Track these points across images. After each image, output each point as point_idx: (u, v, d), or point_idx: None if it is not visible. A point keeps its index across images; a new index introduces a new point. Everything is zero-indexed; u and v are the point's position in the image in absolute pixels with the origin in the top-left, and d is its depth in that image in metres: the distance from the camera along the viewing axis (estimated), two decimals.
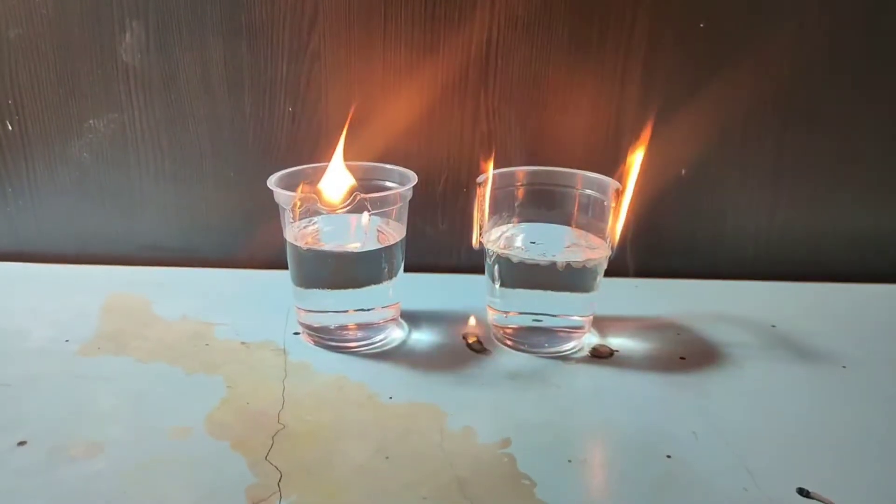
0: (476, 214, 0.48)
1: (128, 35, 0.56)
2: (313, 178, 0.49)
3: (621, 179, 0.47)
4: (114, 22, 0.56)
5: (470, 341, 0.50)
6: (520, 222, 0.52)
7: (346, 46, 0.56)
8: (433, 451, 0.39)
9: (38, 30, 0.56)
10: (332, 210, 0.46)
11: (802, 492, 0.36)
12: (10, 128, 0.58)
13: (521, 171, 0.52)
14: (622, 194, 0.47)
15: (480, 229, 0.49)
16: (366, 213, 0.46)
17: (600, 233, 0.49)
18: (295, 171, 0.50)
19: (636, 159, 0.47)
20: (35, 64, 0.57)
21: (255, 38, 0.56)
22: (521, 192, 0.52)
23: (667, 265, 0.61)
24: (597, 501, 0.36)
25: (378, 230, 0.49)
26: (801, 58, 0.57)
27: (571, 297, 0.48)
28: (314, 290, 0.49)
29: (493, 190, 0.50)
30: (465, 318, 0.53)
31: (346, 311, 0.49)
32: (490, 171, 0.49)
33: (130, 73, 0.57)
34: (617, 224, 0.47)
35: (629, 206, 0.47)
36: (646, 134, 0.49)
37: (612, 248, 0.47)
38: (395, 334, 0.51)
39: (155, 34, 0.56)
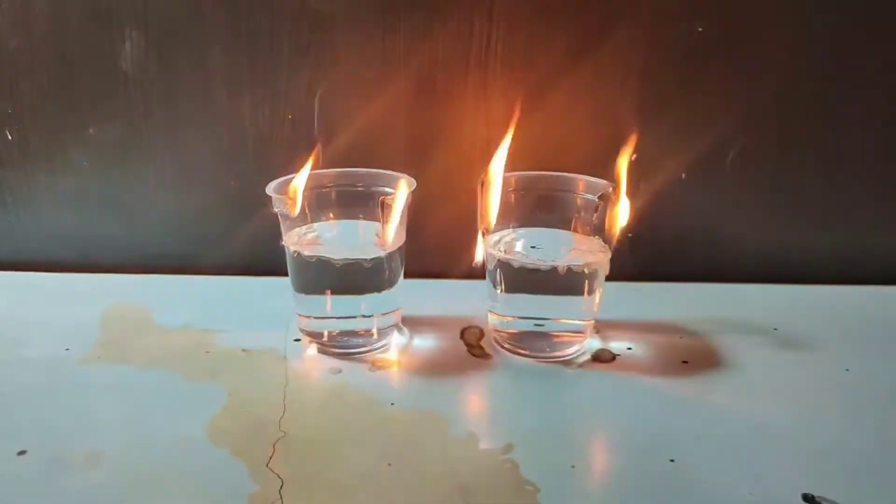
0: (479, 217, 0.48)
1: (127, 44, 0.56)
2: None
3: (616, 180, 0.47)
4: (113, 31, 0.56)
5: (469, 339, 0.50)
6: (520, 227, 0.52)
7: (344, 54, 0.56)
8: (435, 457, 0.39)
9: (37, 39, 0.56)
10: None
11: (808, 498, 0.36)
12: (9, 137, 0.58)
13: (520, 175, 0.51)
14: (617, 193, 0.47)
15: (484, 234, 0.49)
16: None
17: (601, 236, 0.49)
18: (293, 177, 0.49)
19: (624, 158, 0.48)
20: (35, 73, 0.57)
21: (255, 46, 0.56)
22: (521, 197, 0.52)
23: (668, 268, 0.61)
24: None
25: (378, 236, 0.49)
26: (801, 61, 0.57)
27: (573, 301, 0.48)
28: (315, 296, 0.49)
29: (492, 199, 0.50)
30: (465, 324, 0.52)
31: (346, 318, 0.49)
32: (491, 174, 0.49)
33: (130, 81, 0.57)
34: (616, 224, 0.47)
35: (629, 207, 0.47)
36: (632, 134, 0.49)
37: (610, 248, 0.48)
38: (396, 340, 0.51)
39: (155, 43, 0.56)
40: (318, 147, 0.51)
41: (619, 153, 0.49)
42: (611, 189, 0.48)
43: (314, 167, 0.50)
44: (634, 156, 0.49)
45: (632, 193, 0.48)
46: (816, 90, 0.57)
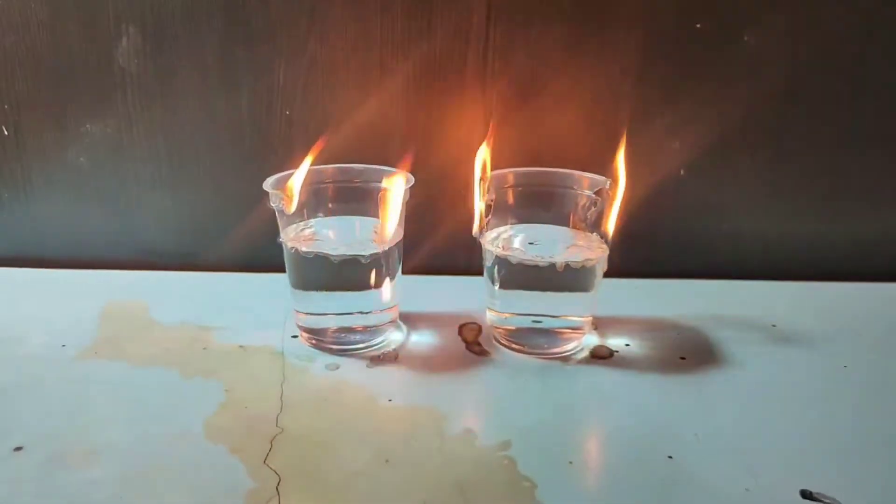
0: (476, 204, 0.48)
1: (124, 40, 0.56)
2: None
3: (613, 176, 0.48)
4: (110, 27, 0.55)
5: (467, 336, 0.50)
6: (518, 223, 0.52)
7: (342, 50, 0.56)
8: (433, 454, 0.39)
9: (34, 35, 0.56)
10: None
11: (806, 494, 0.36)
12: (5, 133, 0.58)
13: (518, 172, 0.51)
14: (614, 189, 0.47)
15: (481, 220, 0.48)
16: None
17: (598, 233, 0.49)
18: (291, 174, 0.49)
19: (620, 154, 0.48)
20: (31, 69, 0.57)
21: (252, 42, 0.56)
22: (519, 194, 0.52)
23: (666, 265, 0.61)
24: (598, 503, 0.36)
25: (375, 232, 0.49)
26: (799, 58, 0.57)
27: (571, 297, 0.48)
28: (312, 292, 0.49)
29: (489, 192, 0.50)
30: (463, 320, 0.52)
31: (344, 314, 0.49)
32: (488, 167, 0.49)
33: (127, 78, 0.57)
34: (610, 220, 0.47)
35: (624, 203, 0.47)
36: (623, 129, 0.50)
37: (608, 243, 0.48)
38: (394, 337, 0.51)
39: (152, 39, 0.56)
40: (321, 141, 0.51)
41: (616, 149, 0.49)
42: (608, 185, 0.48)
43: (314, 162, 0.50)
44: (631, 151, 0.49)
45: (629, 189, 0.48)
46: (816, 85, 0.57)
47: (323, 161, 0.51)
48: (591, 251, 0.48)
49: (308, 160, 0.49)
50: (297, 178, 0.48)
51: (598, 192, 0.49)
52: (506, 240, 0.51)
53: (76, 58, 0.56)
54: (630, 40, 0.56)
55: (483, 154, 0.49)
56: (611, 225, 0.47)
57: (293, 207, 0.47)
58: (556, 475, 0.37)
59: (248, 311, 0.54)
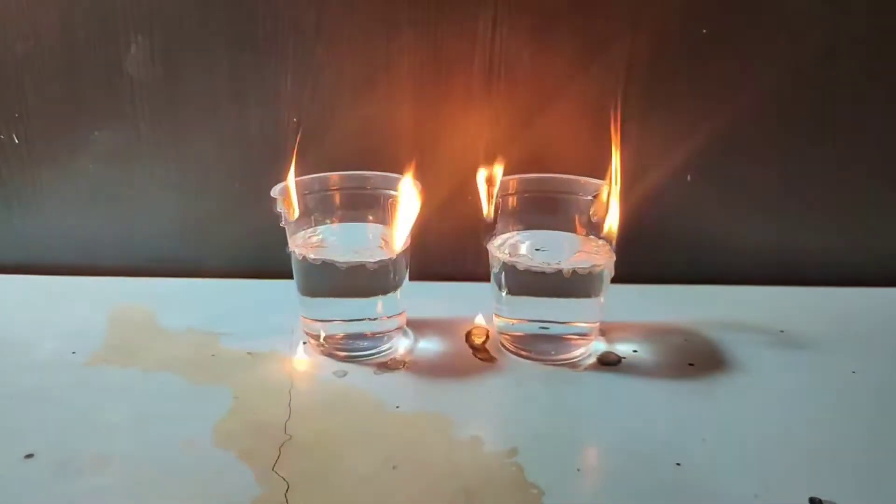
0: (486, 199, 0.48)
1: (133, 48, 0.56)
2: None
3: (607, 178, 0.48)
4: (119, 35, 0.56)
5: (475, 341, 0.50)
6: (524, 230, 0.52)
7: (349, 57, 0.56)
8: (440, 460, 0.39)
9: (43, 43, 0.56)
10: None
11: (815, 501, 0.36)
12: (15, 140, 0.59)
13: (524, 178, 0.51)
14: (609, 192, 0.47)
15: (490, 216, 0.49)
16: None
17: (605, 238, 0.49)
18: (298, 181, 0.49)
19: (615, 156, 0.48)
20: (41, 77, 0.57)
21: (260, 50, 0.56)
22: (525, 200, 0.52)
23: (673, 271, 0.61)
24: None
25: (382, 239, 0.49)
26: (804, 64, 0.56)
27: (578, 303, 0.48)
28: (320, 299, 0.49)
29: (497, 197, 0.50)
30: (470, 326, 0.52)
31: (352, 321, 0.49)
32: (497, 173, 0.49)
33: (136, 85, 0.57)
34: (612, 223, 0.47)
35: (631, 207, 0.47)
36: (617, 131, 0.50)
37: (612, 246, 0.48)
38: (402, 343, 0.51)
39: (160, 47, 0.56)
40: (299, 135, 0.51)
41: (618, 153, 0.49)
42: (602, 188, 0.48)
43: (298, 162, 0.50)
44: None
45: (632, 193, 0.48)
46: (820, 91, 0.57)
47: (330, 167, 0.52)
48: (598, 257, 0.48)
49: (293, 165, 0.49)
50: (290, 182, 0.48)
51: (594, 196, 0.49)
52: (513, 246, 0.51)
53: (85, 66, 0.57)
54: (636, 46, 0.56)
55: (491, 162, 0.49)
56: (612, 227, 0.47)
57: (295, 213, 0.48)
58: (563, 482, 0.37)
59: (256, 318, 0.54)
